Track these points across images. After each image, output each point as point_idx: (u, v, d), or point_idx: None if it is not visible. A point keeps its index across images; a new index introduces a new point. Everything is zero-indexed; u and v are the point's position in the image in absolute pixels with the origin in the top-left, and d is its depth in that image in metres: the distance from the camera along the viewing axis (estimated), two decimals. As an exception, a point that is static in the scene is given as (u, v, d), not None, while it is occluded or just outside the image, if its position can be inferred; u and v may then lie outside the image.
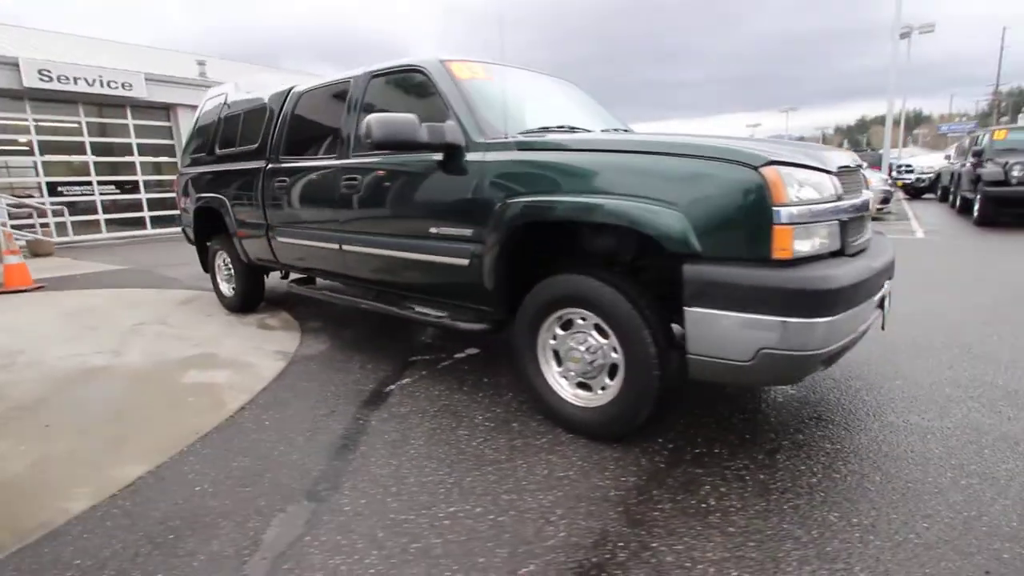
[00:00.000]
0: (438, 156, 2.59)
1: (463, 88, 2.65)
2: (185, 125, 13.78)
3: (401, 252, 2.82)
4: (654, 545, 1.58)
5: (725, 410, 2.44)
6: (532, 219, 2.20)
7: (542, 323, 2.31)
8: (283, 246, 3.75)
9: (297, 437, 2.35)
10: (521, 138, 2.40)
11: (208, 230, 4.81)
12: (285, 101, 3.79)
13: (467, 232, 2.47)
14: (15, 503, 1.95)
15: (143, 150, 13.55)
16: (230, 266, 4.61)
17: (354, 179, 3.02)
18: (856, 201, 2.07)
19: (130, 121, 13.18)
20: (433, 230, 2.63)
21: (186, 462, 2.17)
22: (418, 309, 2.90)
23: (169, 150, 13.98)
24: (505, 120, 2.56)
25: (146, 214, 13.75)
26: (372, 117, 2.47)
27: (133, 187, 13.54)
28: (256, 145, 3.95)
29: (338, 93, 3.36)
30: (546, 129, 2.67)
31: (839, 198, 1.90)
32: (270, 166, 3.75)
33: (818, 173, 1.85)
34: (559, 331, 2.30)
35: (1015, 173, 7.62)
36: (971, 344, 3.15)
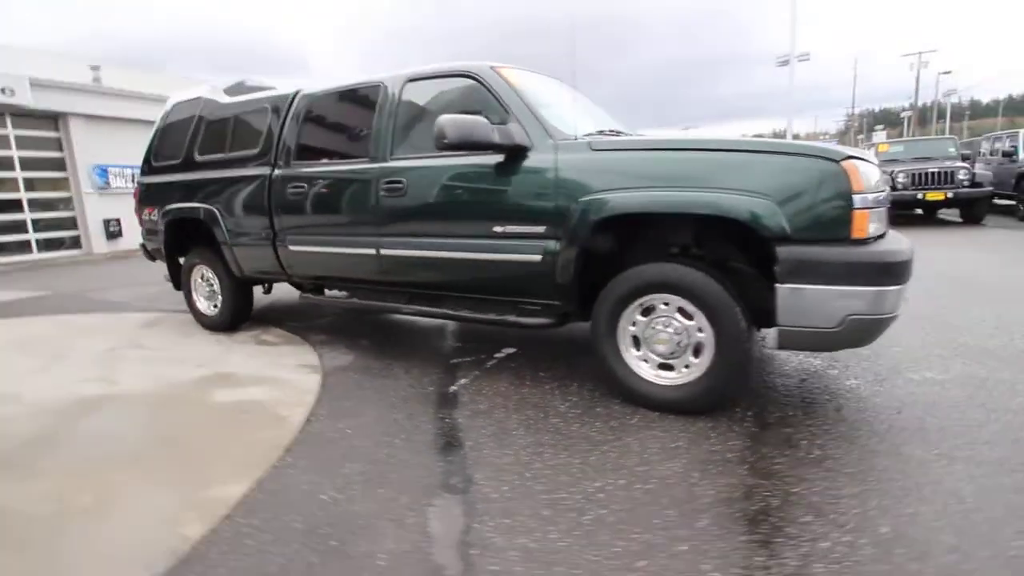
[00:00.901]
0: (498, 157, 2.68)
1: (520, 92, 2.77)
2: (79, 137, 12.36)
3: (459, 253, 2.85)
4: (795, 491, 1.79)
5: (776, 382, 2.74)
6: (617, 213, 2.37)
7: (623, 311, 2.47)
8: (296, 255, 3.59)
9: (393, 440, 2.30)
10: (592, 139, 2.57)
11: (181, 244, 4.46)
12: (291, 104, 3.65)
13: (539, 229, 2.58)
14: (117, 536, 1.76)
15: (26, 164, 11.93)
16: (212, 282, 4.29)
17: (398, 182, 3.00)
18: (887, 192, 2.46)
19: (11, 131, 11.57)
20: (498, 229, 2.70)
21: (287, 474, 2.07)
22: (459, 312, 2.95)
23: (58, 164, 12.42)
24: (564, 122, 2.71)
25: (31, 236, 12.07)
26: (445, 118, 2.52)
27: (15, 206, 11.86)
28: (256, 150, 3.76)
29: (362, 96, 3.33)
30: (602, 132, 2.86)
31: (883, 189, 2.27)
32: (279, 172, 3.58)
33: (874, 166, 2.20)
34: (639, 317, 2.47)
35: (900, 180, 9.02)
36: (930, 316, 3.75)
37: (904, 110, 39.81)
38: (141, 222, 4.73)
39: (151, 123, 4.80)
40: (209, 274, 4.32)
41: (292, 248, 3.59)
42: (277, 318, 4.65)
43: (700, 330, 2.33)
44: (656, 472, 1.95)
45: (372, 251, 3.18)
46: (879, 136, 31.74)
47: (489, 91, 2.79)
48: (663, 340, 2.40)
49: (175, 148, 4.43)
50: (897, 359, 2.94)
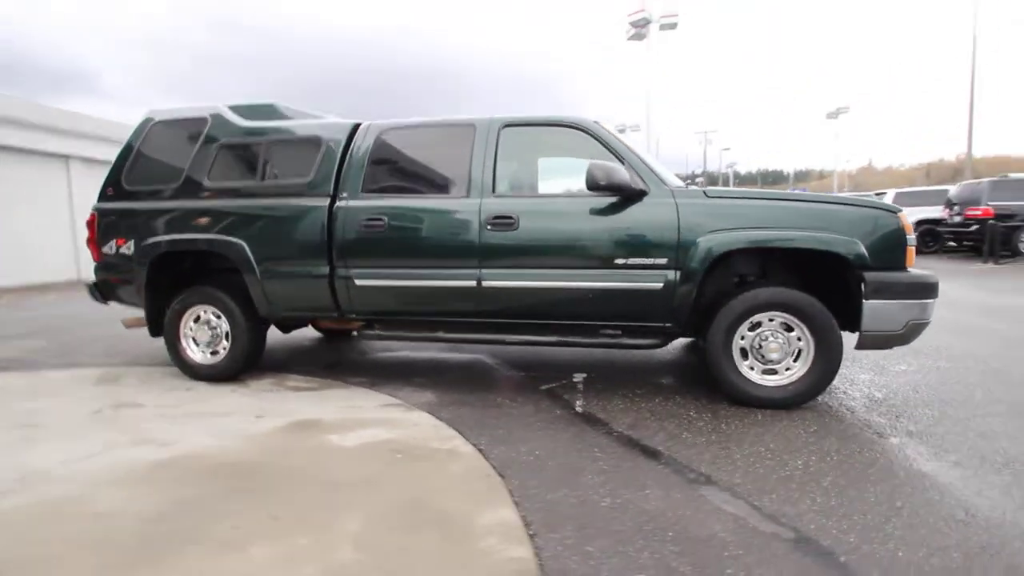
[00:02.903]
0: (612, 198, 3.08)
1: (628, 144, 3.22)
2: None
3: (578, 283, 3.12)
4: (921, 450, 2.46)
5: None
6: (733, 247, 2.93)
7: (738, 327, 3.00)
8: (364, 289, 3.42)
9: (593, 454, 2.45)
10: (707, 189, 3.12)
11: (167, 284, 3.83)
12: (354, 136, 3.56)
13: (661, 261, 3.02)
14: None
15: None
16: (216, 326, 3.76)
17: (508, 218, 3.17)
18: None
19: None
20: (620, 261, 3.07)
21: (549, 500, 2.10)
22: (571, 338, 3.22)
23: None
24: (661, 171, 3.24)
25: None
26: (596, 165, 2.90)
27: None
28: (307, 179, 3.54)
29: (449, 135, 3.45)
30: (687, 181, 3.43)
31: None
32: (346, 203, 3.43)
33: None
34: (748, 332, 3.03)
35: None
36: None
37: (698, 176, 48.85)
38: (98, 256, 3.93)
39: None
40: (210, 316, 3.77)
41: (360, 282, 3.42)
42: (271, 366, 4.18)
43: (799, 339, 2.96)
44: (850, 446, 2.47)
45: (472, 283, 3.24)
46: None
47: (600, 142, 3.20)
48: (775, 349, 2.98)
49: (165, 171, 3.86)
50: (882, 356, 3.95)
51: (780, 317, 2.97)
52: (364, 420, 2.98)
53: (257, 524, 1.94)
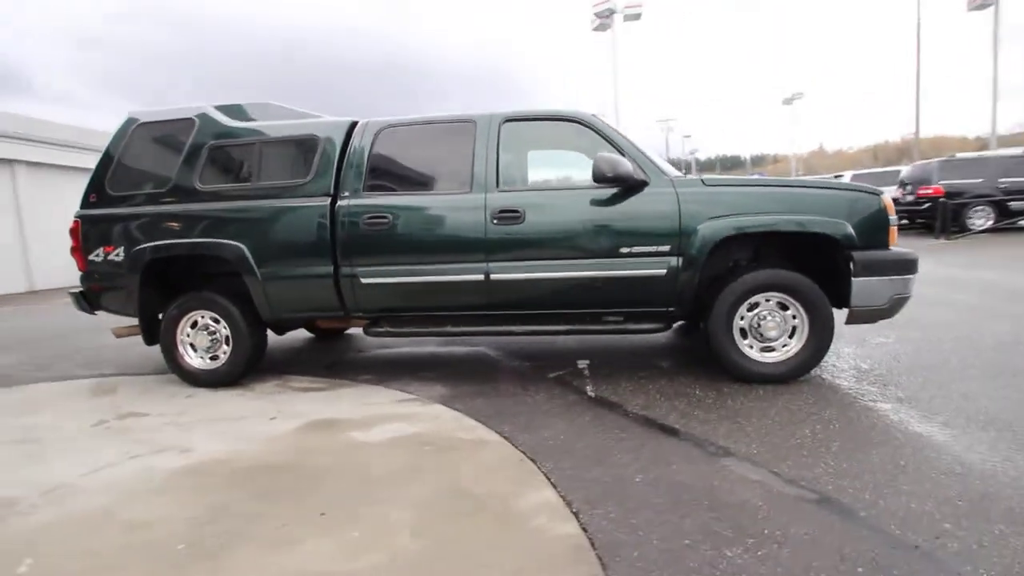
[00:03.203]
0: (614, 189, 3.19)
1: (626, 137, 3.32)
2: None
3: (585, 272, 3.22)
4: (912, 414, 2.67)
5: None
6: (734, 232, 3.08)
7: (738, 308, 3.16)
8: (370, 288, 3.43)
9: (620, 435, 2.57)
10: (704, 177, 3.26)
11: (158, 290, 3.75)
12: (352, 135, 3.55)
13: (664, 248, 3.15)
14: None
15: None
16: (215, 330, 3.70)
17: (514, 211, 3.24)
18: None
19: None
20: (624, 249, 3.18)
21: (583, 480, 2.20)
22: (580, 326, 3.33)
23: None
24: (659, 161, 3.36)
25: None
26: (602, 157, 3.01)
27: None
28: (305, 180, 3.51)
29: (450, 131, 3.48)
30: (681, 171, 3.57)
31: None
32: (348, 202, 3.42)
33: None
34: (747, 312, 3.19)
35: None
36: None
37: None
38: (84, 265, 3.81)
39: None
40: (208, 321, 3.71)
41: (365, 280, 3.43)
42: (270, 369, 4.14)
43: (794, 317, 3.15)
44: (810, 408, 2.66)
45: (480, 277, 3.30)
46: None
47: (600, 134, 3.29)
48: (772, 327, 3.15)
49: (152, 175, 3.77)
50: (861, 330, 4.20)
51: (776, 297, 3.15)
52: (383, 416, 3.01)
53: (305, 521, 1.97)
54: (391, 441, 2.66)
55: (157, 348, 3.77)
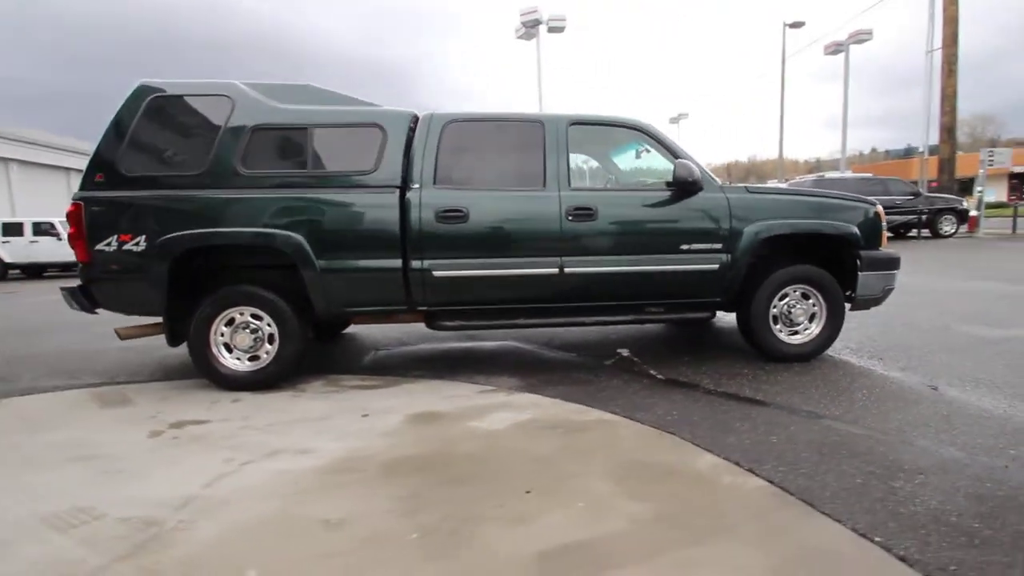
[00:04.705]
0: (669, 192, 3.57)
1: (681, 145, 3.71)
2: None
3: (650, 266, 3.54)
4: (920, 379, 3.36)
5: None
6: (775, 234, 3.59)
7: (774, 297, 3.69)
8: (441, 280, 3.42)
9: (712, 408, 2.90)
10: (747, 185, 3.76)
11: (186, 284, 3.39)
12: (417, 127, 3.51)
13: (717, 246, 3.58)
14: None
15: None
16: (257, 328, 3.42)
17: (588, 209, 3.46)
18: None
19: None
20: (684, 247, 3.56)
21: (743, 450, 2.49)
22: (647, 316, 3.66)
23: None
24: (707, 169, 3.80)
25: None
26: (681, 164, 3.42)
27: None
28: (372, 169, 3.40)
29: (519, 130, 3.60)
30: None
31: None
32: (421, 195, 3.38)
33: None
34: (777, 302, 3.73)
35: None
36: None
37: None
38: (87, 256, 3.29)
39: None
40: (248, 318, 3.41)
41: (438, 274, 3.41)
42: (303, 371, 3.88)
43: (815, 305, 3.75)
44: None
45: (555, 270, 3.47)
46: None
47: (659, 141, 3.64)
48: (800, 313, 3.72)
49: (179, 155, 3.40)
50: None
51: (802, 288, 3.73)
52: (482, 407, 3.05)
53: (518, 500, 2.03)
54: (516, 427, 2.74)
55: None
